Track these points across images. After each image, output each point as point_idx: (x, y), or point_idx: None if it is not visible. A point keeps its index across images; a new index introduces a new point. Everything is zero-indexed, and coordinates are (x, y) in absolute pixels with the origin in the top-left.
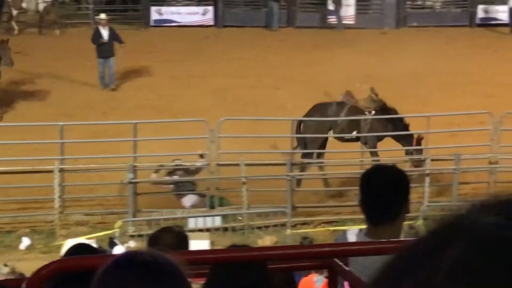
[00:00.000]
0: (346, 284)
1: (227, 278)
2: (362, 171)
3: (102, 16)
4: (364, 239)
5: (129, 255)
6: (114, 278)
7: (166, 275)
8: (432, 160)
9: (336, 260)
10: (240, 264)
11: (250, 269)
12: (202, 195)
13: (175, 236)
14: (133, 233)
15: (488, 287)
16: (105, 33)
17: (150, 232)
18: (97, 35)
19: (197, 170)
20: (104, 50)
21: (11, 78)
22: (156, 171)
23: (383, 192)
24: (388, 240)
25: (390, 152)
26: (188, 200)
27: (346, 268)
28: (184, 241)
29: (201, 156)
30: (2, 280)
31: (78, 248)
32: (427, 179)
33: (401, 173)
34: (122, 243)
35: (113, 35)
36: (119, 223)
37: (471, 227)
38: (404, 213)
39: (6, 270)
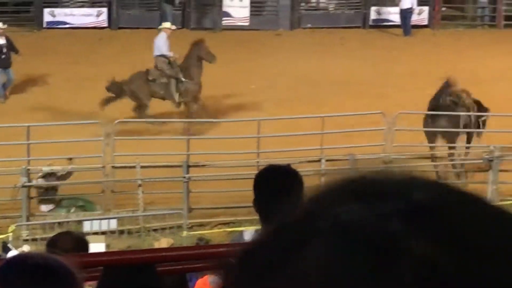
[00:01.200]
0: None
1: (116, 281)
2: (255, 172)
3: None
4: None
5: (20, 258)
6: (5, 281)
7: (58, 278)
8: (327, 160)
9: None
10: (130, 267)
11: (138, 272)
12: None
13: (74, 240)
14: (27, 237)
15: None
16: (2, 42)
17: (44, 236)
18: None
19: (67, 175)
20: (2, 61)
21: None
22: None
23: (277, 192)
24: None
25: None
26: (45, 207)
27: None
28: (84, 245)
29: (70, 159)
30: None
31: None
32: (323, 179)
33: (294, 173)
34: (16, 247)
35: (10, 45)
36: (12, 227)
37: (328, 221)
38: None
39: None
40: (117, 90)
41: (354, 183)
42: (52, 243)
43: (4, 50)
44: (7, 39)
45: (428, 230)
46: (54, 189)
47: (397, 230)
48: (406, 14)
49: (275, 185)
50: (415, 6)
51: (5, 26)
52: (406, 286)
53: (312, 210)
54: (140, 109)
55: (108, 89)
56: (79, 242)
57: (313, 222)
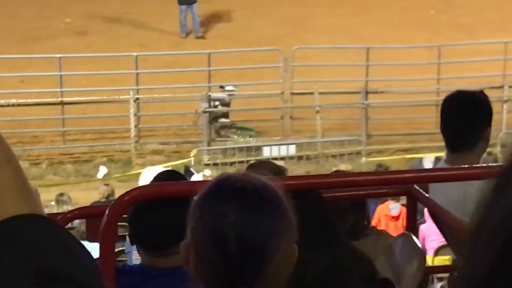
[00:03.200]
0: (425, 211)
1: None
2: (438, 98)
3: None
4: (444, 166)
5: (228, 182)
6: (213, 204)
7: (266, 202)
8: (510, 86)
9: (416, 186)
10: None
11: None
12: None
13: (272, 169)
14: (208, 162)
15: None
16: None
17: (225, 160)
18: None
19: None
20: None
21: (85, 10)
22: None
23: (463, 117)
24: (468, 166)
25: None
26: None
27: (426, 195)
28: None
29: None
30: (87, 207)
31: (168, 175)
32: (505, 106)
33: (482, 98)
34: (198, 171)
35: None
36: (194, 151)
37: None
38: (484, 139)
39: (105, 189)
40: None
41: None
42: (250, 168)
43: None
44: None
45: None
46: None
47: None
48: None
49: (461, 109)
50: None
51: None
52: None
53: None
54: None
55: None
56: (277, 171)
57: None
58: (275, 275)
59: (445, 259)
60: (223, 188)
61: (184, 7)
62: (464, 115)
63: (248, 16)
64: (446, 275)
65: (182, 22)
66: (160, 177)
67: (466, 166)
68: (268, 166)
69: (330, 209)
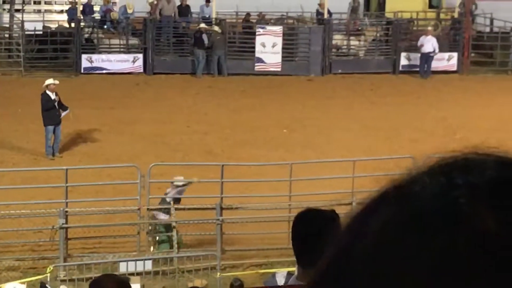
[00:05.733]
0: None
1: None
2: (289, 214)
3: (51, 81)
4: (295, 282)
5: None
6: None
7: None
8: (358, 203)
9: None
10: None
11: None
12: None
13: (117, 282)
14: (64, 278)
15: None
16: (54, 98)
17: (81, 276)
18: (47, 100)
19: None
20: (54, 116)
21: None
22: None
23: (312, 235)
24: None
25: None
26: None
27: None
28: (126, 287)
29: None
30: None
31: None
32: None
33: (332, 216)
34: (54, 287)
35: (59, 101)
36: (50, 267)
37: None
38: None
39: None
40: None
41: (435, 163)
42: (95, 284)
43: (56, 106)
44: (57, 95)
45: (492, 204)
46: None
47: (462, 197)
48: (427, 57)
49: (311, 228)
50: (437, 50)
51: (57, 82)
52: (458, 248)
53: (392, 186)
54: None
55: None
56: (122, 284)
57: (385, 194)
58: None
59: None
60: None
61: (50, 127)
62: (311, 233)
63: (106, 133)
64: None
65: (48, 143)
66: None
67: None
68: (112, 278)
69: None
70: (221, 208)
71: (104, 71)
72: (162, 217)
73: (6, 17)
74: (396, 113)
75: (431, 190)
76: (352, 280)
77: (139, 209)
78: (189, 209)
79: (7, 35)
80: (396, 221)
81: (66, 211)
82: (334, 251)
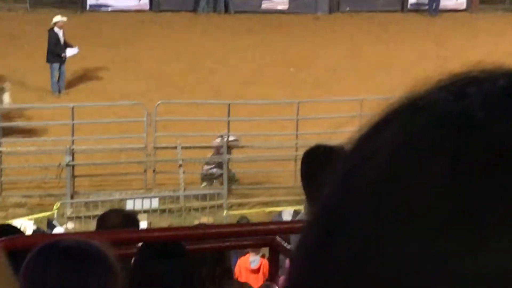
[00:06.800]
0: (287, 262)
1: (150, 258)
2: (296, 153)
3: (59, 18)
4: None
5: (52, 242)
6: (38, 264)
7: (90, 260)
8: None
9: (279, 238)
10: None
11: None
12: None
13: (123, 216)
14: (71, 215)
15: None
16: (61, 36)
17: (88, 213)
18: (54, 37)
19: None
20: (60, 54)
21: None
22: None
23: (323, 171)
24: None
25: None
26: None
27: (288, 246)
28: (133, 222)
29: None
30: None
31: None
32: None
33: (341, 152)
34: (61, 224)
35: (65, 39)
36: (57, 204)
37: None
38: None
39: None
40: None
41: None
42: (101, 220)
43: (63, 44)
44: (63, 32)
45: (505, 111)
46: None
47: (475, 104)
48: None
49: (321, 164)
50: None
51: (65, 19)
52: (472, 152)
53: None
54: None
55: None
56: (129, 219)
57: (394, 109)
58: None
59: None
60: (47, 248)
61: (56, 65)
62: (324, 169)
63: (112, 71)
64: None
65: (54, 80)
66: None
67: None
68: (119, 213)
69: (193, 263)
70: (228, 147)
71: (109, 8)
72: None
73: None
74: (404, 51)
75: (444, 99)
76: (363, 201)
77: (145, 147)
78: (196, 147)
79: None
80: (409, 131)
81: (73, 149)
82: (341, 175)
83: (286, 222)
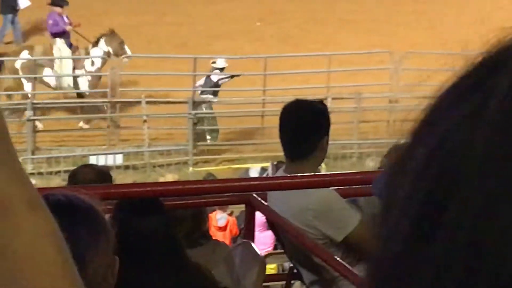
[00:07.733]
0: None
1: (127, 214)
2: (263, 109)
3: None
4: (283, 174)
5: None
6: None
7: (80, 214)
8: (333, 98)
9: (255, 195)
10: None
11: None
12: None
13: (96, 172)
14: (33, 171)
15: None
16: None
17: (50, 169)
18: None
19: None
20: (13, 4)
21: None
22: None
23: (300, 126)
24: (307, 175)
25: None
26: None
27: (265, 203)
28: (106, 177)
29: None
30: None
31: None
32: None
33: (320, 108)
34: None
35: None
36: None
37: None
38: (321, 148)
39: None
40: None
41: None
42: (73, 175)
43: None
44: None
45: None
46: None
47: None
48: None
49: (299, 119)
50: None
51: None
52: None
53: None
54: None
55: None
56: (101, 174)
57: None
58: (92, 285)
59: (270, 268)
60: None
61: (9, 16)
62: (301, 124)
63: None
64: (271, 283)
65: (4, 33)
66: None
67: (305, 174)
68: (92, 169)
69: (170, 220)
70: (194, 102)
71: None
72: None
73: None
74: (376, 6)
75: None
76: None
77: (109, 102)
78: (161, 102)
79: None
80: None
81: (34, 103)
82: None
83: (264, 179)
